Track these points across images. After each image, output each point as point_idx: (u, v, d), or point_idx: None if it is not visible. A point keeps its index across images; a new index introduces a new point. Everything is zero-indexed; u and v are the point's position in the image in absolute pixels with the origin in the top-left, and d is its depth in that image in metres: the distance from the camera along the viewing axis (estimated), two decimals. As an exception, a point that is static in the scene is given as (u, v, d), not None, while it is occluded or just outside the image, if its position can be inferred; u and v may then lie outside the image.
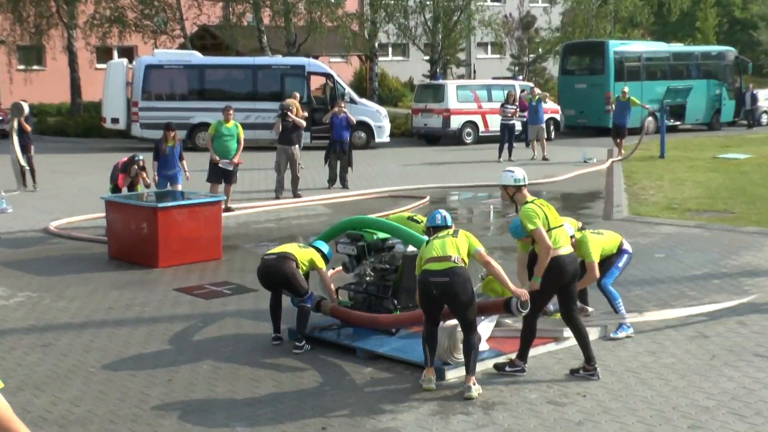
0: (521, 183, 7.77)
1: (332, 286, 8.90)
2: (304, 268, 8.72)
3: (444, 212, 7.87)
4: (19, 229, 15.13)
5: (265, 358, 8.43)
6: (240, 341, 8.96)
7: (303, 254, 8.77)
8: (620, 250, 9.03)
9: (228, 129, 16.48)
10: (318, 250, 8.95)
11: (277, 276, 8.66)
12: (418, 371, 7.80)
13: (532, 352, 8.18)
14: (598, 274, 8.60)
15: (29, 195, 18.89)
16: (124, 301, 10.56)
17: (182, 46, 34.93)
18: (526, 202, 7.69)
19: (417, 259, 7.60)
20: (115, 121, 28.33)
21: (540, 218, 7.52)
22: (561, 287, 7.64)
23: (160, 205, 12.49)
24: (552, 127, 30.76)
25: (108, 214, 13.20)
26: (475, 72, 47.78)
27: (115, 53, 40.03)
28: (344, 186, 19.56)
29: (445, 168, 23.65)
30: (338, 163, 19.62)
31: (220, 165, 16.39)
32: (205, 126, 26.03)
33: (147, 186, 14.61)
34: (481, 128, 30.36)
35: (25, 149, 19.48)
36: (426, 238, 7.91)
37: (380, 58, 42.59)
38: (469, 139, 30.26)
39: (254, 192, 19.47)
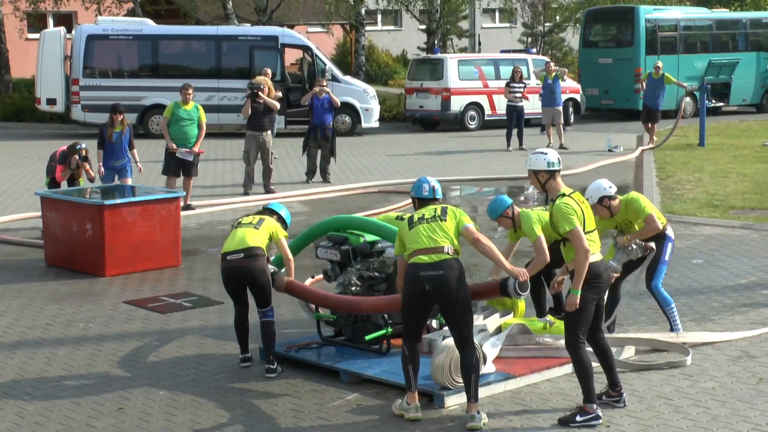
0: (555, 167, 7.66)
1: (292, 259, 8.98)
2: (265, 249, 8.85)
3: (433, 181, 7.98)
4: (-61, 231, 15.17)
5: (233, 382, 8.51)
6: (203, 363, 9.04)
7: (264, 236, 8.83)
8: (662, 237, 9.25)
9: (187, 112, 16.53)
10: (273, 212, 9.10)
11: (248, 280, 8.74)
12: (413, 398, 7.91)
13: (547, 375, 8.31)
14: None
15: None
16: (65, 317, 10.62)
17: (131, 13, 34.96)
18: (562, 195, 7.57)
19: (397, 239, 7.74)
20: (51, 102, 28.28)
21: (578, 217, 7.45)
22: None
23: (107, 202, 12.54)
24: (571, 110, 30.86)
25: (44, 214, 13.25)
26: (480, 44, 47.91)
27: (51, 21, 39.99)
28: (325, 179, 19.64)
29: (444, 158, 23.76)
30: (319, 152, 19.71)
31: (177, 154, 16.44)
32: (159, 108, 26.03)
33: (91, 180, 14.65)
34: (488, 111, 30.45)
35: None
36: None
37: (368, 28, 42.66)
38: (472, 124, 30.37)
39: (218, 187, 19.54)
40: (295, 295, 9.13)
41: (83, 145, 14.45)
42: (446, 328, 8.35)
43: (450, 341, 7.85)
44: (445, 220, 7.58)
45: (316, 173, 19.82)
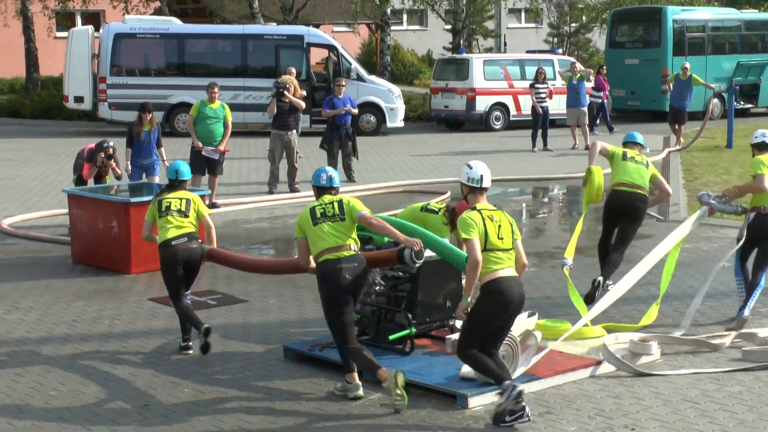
0: (474, 185, 7.91)
1: (213, 227, 9.81)
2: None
3: (331, 171, 8.54)
4: (-34, 228, 15.28)
5: (257, 380, 8.53)
6: (227, 361, 9.07)
7: (193, 217, 9.62)
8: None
9: (213, 110, 16.59)
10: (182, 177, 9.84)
11: (195, 268, 9.57)
12: (437, 397, 7.90)
13: (571, 376, 8.29)
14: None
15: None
16: (91, 313, 10.68)
17: (158, 11, 35.13)
18: (473, 209, 7.77)
19: (297, 227, 8.34)
20: (78, 100, 28.44)
21: (479, 231, 7.56)
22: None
23: (134, 200, 12.60)
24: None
25: (71, 211, 13.33)
26: (505, 44, 47.84)
27: (79, 19, 40.25)
28: (349, 178, 19.64)
29: (468, 158, 23.58)
30: (341, 151, 19.69)
31: (203, 153, 16.50)
32: (185, 107, 26.18)
33: (118, 177, 14.71)
34: (513, 111, 30.42)
35: None
36: (464, 254, 8.15)
37: (393, 28, 42.68)
38: (497, 124, 30.33)
39: (243, 185, 19.59)
40: (216, 261, 9.86)
41: (111, 143, 14.51)
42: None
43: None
44: (344, 219, 8.15)
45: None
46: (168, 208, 9.51)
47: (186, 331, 9.35)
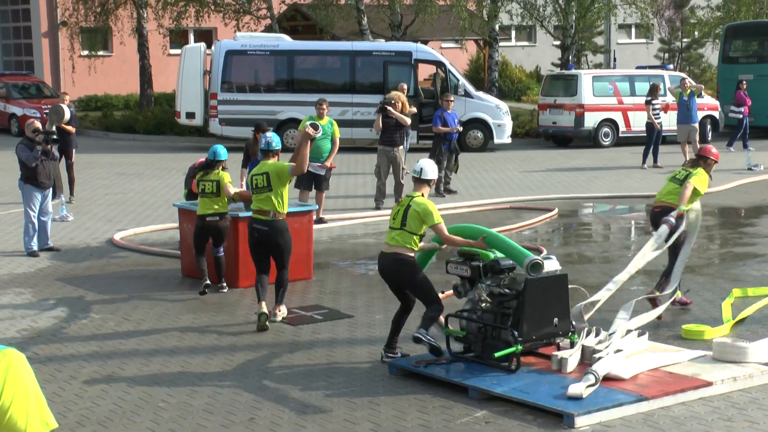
0: (414, 176, 9.38)
1: (231, 193, 12.22)
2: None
3: (270, 135, 11.25)
4: (81, 240, 15.65)
5: (362, 395, 8.54)
6: (332, 375, 9.10)
7: (223, 195, 12.29)
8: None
9: (321, 127, 16.66)
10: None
11: (220, 235, 12.44)
12: (543, 416, 7.81)
13: (681, 398, 8.15)
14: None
15: (93, 202, 19.48)
16: (199, 326, 10.83)
17: (269, 29, 35.56)
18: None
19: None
20: (190, 116, 28.92)
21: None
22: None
23: (242, 215, 12.74)
24: (709, 127, 30.25)
25: (181, 225, 13.55)
26: (615, 60, 47.31)
27: (191, 37, 41.03)
28: (446, 192, 19.63)
29: (577, 175, 23.50)
30: (445, 164, 19.67)
31: (310, 169, 16.58)
32: (294, 122, 26.47)
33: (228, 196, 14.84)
34: (622, 127, 30.02)
35: (65, 155, 18.85)
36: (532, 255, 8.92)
37: (501, 44, 42.55)
38: (606, 141, 29.95)
39: (351, 199, 19.69)
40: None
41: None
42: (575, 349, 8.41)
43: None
44: (272, 190, 10.69)
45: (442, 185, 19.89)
46: (203, 191, 12.19)
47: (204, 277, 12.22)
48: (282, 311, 10.96)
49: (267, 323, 10.58)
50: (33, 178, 14.44)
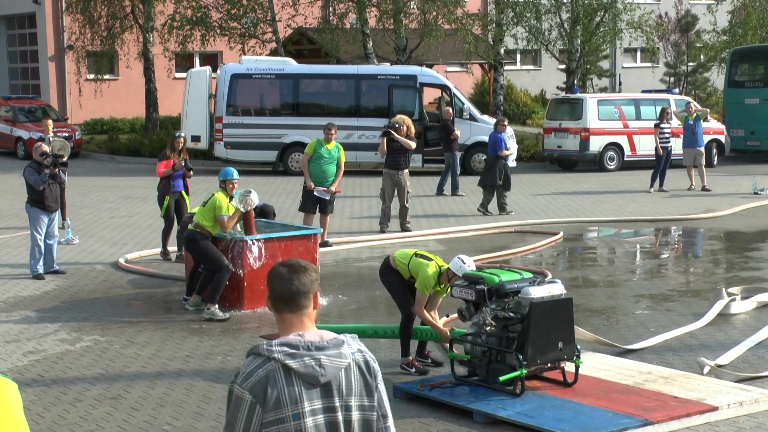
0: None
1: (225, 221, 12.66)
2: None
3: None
4: (86, 263, 15.70)
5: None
6: (337, 399, 9.09)
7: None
8: None
9: (328, 151, 16.73)
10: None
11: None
12: (548, 441, 7.83)
13: (686, 422, 8.13)
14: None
15: (98, 225, 19.55)
16: (204, 349, 10.86)
17: (274, 52, 35.73)
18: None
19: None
20: (195, 139, 28.83)
21: None
22: None
23: (247, 237, 12.79)
24: (715, 151, 30.28)
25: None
26: (620, 84, 47.42)
27: (197, 60, 41.20)
28: (506, 211, 20.61)
29: (582, 199, 23.53)
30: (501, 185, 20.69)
31: (315, 193, 16.66)
32: (299, 146, 26.55)
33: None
34: (627, 151, 30.03)
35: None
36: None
37: (506, 67, 42.67)
38: (612, 165, 29.97)
39: (356, 222, 19.73)
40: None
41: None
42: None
43: None
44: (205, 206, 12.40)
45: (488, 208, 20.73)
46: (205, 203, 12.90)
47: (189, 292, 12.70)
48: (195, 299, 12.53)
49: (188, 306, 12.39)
50: (40, 202, 14.51)
